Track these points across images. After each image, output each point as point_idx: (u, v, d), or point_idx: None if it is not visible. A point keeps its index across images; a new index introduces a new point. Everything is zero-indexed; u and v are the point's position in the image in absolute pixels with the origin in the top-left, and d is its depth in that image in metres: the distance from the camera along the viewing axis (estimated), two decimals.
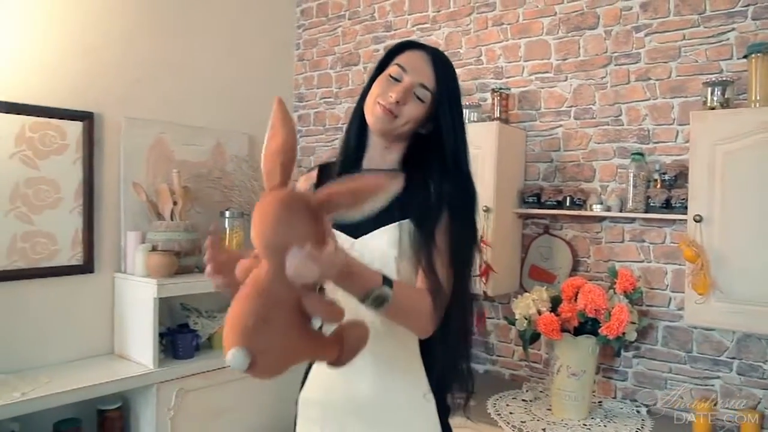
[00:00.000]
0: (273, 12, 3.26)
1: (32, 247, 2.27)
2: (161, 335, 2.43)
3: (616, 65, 2.34)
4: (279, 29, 3.32)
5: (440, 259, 1.15)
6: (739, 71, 2.05)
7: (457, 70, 1.29)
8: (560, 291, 2.19)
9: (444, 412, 1.25)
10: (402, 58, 1.23)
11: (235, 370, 0.82)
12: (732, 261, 1.86)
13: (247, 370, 0.82)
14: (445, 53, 1.28)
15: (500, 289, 2.41)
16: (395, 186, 0.86)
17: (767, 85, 1.89)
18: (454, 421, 1.30)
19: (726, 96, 1.96)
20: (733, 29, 2.09)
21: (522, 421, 2.09)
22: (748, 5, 2.06)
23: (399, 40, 1.44)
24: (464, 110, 1.36)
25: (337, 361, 0.96)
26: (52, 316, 2.34)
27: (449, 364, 1.22)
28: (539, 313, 2.12)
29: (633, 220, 2.30)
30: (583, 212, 2.34)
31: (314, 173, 1.36)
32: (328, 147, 3.24)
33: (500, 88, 2.50)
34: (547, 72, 2.51)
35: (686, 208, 1.98)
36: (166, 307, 2.50)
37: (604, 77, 2.37)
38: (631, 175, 2.19)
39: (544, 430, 2.03)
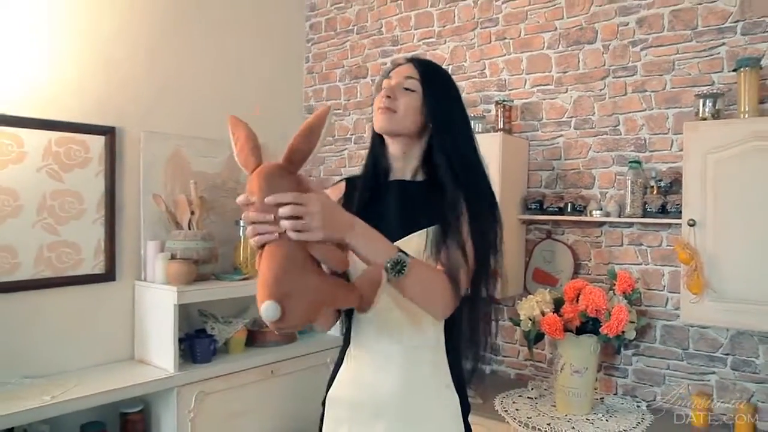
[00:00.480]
0: (283, 27, 3.33)
1: (58, 256, 2.33)
2: (179, 340, 2.45)
3: (613, 78, 2.42)
4: (289, 44, 3.38)
5: (460, 251, 1.18)
6: (729, 83, 2.13)
7: (462, 83, 1.39)
8: (563, 293, 2.23)
9: (465, 410, 1.30)
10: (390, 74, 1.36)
11: (269, 321, 0.91)
12: (724, 262, 1.93)
13: (278, 319, 0.91)
14: (450, 66, 1.37)
15: (505, 292, 2.44)
16: (329, 109, 1.01)
17: (755, 97, 1.98)
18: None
19: (717, 107, 2.03)
20: (724, 44, 2.18)
21: (528, 417, 2.15)
22: (738, 21, 2.14)
23: (405, 54, 1.55)
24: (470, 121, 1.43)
25: (361, 306, 1.07)
26: (75, 323, 2.39)
27: (473, 339, 1.27)
28: (543, 314, 2.16)
29: (631, 224, 2.36)
30: (583, 218, 2.40)
31: (342, 185, 1.41)
32: (337, 157, 3.33)
33: (503, 100, 2.56)
34: (548, 84, 2.59)
35: (681, 213, 2.04)
36: (183, 313, 2.53)
37: (603, 89, 2.45)
38: (629, 182, 2.26)
39: (549, 425, 2.08)
